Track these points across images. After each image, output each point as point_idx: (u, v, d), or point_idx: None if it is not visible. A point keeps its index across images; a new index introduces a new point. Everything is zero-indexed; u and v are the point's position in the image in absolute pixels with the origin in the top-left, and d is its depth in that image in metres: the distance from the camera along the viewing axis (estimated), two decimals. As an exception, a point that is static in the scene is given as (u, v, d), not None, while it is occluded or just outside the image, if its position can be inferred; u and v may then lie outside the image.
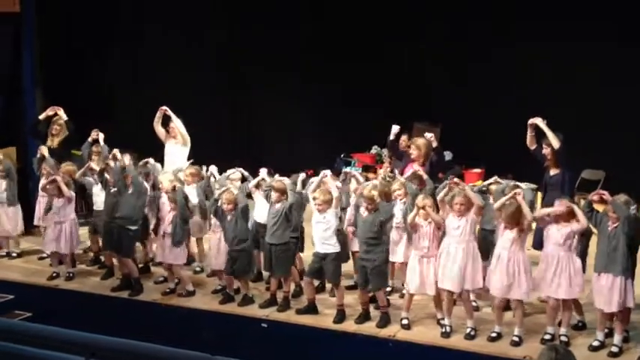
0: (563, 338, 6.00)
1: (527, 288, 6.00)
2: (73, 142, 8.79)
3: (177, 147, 8.89)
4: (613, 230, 5.79)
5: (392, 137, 8.40)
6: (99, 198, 7.81)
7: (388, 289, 6.93)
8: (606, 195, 5.87)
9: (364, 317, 6.54)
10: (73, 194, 7.69)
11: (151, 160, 7.92)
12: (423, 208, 6.23)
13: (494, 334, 6.13)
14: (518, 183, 6.62)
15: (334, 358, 6.12)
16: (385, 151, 11.12)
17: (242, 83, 11.96)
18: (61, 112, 8.71)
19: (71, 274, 7.77)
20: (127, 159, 7.44)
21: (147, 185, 7.61)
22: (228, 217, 6.87)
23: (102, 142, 8.24)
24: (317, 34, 11.27)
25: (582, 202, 6.36)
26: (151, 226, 7.63)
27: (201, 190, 7.56)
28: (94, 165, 7.93)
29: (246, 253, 6.96)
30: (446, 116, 10.65)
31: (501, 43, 10.20)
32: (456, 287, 6.17)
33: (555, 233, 5.99)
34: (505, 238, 6.05)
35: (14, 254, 8.43)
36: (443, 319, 6.35)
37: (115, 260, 7.70)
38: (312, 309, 6.73)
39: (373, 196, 6.44)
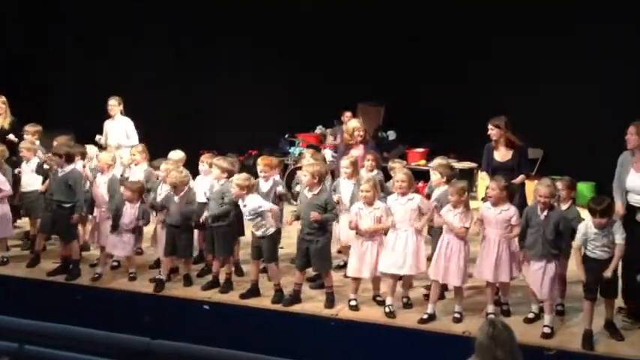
0: (505, 307, 6.18)
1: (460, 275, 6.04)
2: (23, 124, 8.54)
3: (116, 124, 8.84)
4: None
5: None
6: (27, 178, 7.62)
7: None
8: None
9: (294, 298, 6.44)
10: (1, 176, 7.45)
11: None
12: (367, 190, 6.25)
13: (425, 316, 6.08)
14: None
15: (278, 337, 6.09)
16: (329, 131, 11.12)
17: (182, 63, 11.75)
18: None
19: (5, 259, 7.52)
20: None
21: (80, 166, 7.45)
22: (175, 199, 6.85)
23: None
24: (271, 13, 11.14)
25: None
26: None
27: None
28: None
29: (187, 235, 6.91)
30: (389, 95, 10.68)
31: (440, 20, 10.23)
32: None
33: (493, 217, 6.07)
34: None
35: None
36: (379, 295, 6.45)
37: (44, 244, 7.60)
38: (255, 291, 6.65)
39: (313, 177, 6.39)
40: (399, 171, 6.44)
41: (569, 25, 9.57)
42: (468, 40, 10.11)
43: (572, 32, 9.54)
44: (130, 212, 6.99)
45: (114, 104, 8.94)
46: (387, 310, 6.21)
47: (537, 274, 5.78)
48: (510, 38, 9.84)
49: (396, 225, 6.21)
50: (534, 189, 5.93)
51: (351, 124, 8.11)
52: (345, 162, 7.06)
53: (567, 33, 9.57)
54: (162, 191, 7.12)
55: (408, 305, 6.36)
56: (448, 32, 10.19)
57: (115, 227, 6.97)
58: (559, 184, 6.10)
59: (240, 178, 6.49)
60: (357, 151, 7.66)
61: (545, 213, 5.76)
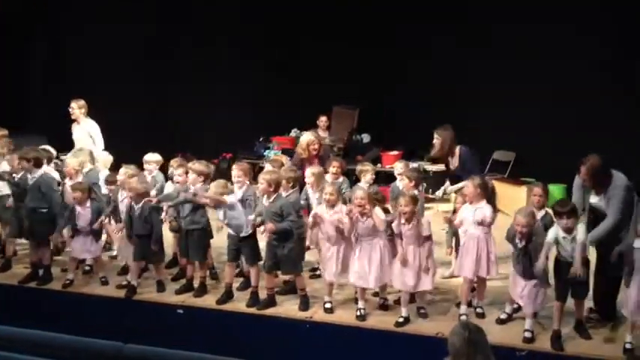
0: (479, 310, 6.22)
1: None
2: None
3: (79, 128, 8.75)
4: None
5: None
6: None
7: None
8: None
9: (269, 302, 6.44)
10: None
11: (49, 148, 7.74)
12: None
13: (401, 319, 6.10)
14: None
15: (252, 341, 6.09)
16: (304, 134, 11.11)
17: (156, 68, 11.71)
18: None
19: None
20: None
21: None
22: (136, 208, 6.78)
23: None
24: (249, 16, 11.16)
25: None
26: None
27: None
28: None
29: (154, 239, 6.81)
30: (364, 98, 10.73)
31: (414, 24, 10.30)
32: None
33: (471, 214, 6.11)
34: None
35: None
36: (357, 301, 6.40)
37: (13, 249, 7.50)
38: (229, 293, 6.64)
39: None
40: (357, 189, 6.36)
41: (538, 26, 9.69)
42: (444, 44, 10.21)
43: (541, 33, 9.66)
44: (83, 214, 6.89)
45: (73, 107, 8.78)
46: (357, 313, 6.23)
47: (519, 285, 5.81)
48: (482, 42, 9.96)
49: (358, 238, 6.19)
50: (514, 217, 5.75)
51: (305, 137, 7.77)
52: (308, 172, 7.01)
53: (537, 34, 9.69)
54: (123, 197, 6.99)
55: (383, 307, 6.40)
56: (423, 36, 10.26)
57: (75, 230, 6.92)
58: (536, 190, 6.17)
59: (217, 185, 6.47)
60: (314, 168, 7.10)
61: (523, 244, 5.68)
